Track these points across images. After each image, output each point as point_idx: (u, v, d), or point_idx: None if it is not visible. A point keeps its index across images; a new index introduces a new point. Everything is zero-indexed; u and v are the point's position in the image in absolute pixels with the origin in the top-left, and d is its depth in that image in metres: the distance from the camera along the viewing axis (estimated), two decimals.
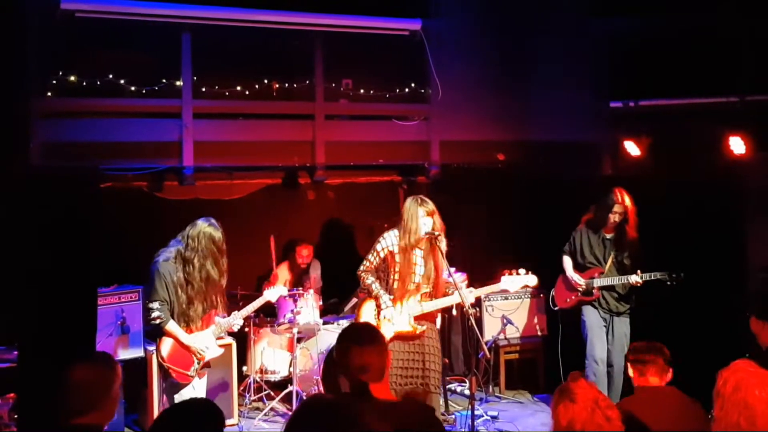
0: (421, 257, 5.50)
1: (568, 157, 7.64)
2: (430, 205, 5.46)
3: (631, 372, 4.24)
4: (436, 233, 5.39)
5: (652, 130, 7.33)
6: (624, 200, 6.50)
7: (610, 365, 6.63)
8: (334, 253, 8.23)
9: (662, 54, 7.26)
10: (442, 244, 5.42)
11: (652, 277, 6.34)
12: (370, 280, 5.56)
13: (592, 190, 6.83)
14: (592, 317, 6.70)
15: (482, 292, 5.81)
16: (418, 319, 5.50)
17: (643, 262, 6.47)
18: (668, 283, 6.32)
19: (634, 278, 6.39)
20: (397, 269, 5.50)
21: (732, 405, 3.14)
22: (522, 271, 5.65)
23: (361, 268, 5.63)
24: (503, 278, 5.64)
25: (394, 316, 5.47)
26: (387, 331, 5.35)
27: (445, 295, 5.55)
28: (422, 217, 5.41)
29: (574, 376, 3.04)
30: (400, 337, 5.48)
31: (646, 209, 6.56)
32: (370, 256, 5.60)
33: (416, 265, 5.48)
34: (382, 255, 5.54)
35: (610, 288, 6.63)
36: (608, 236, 6.68)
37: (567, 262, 6.90)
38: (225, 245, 5.45)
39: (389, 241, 5.51)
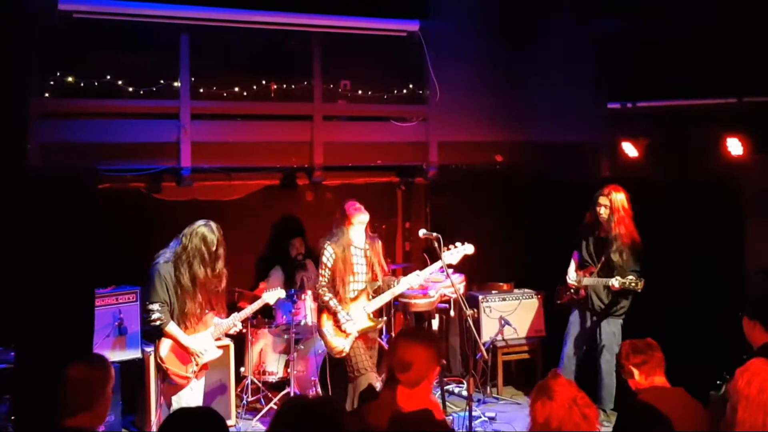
0: (361, 256, 5.98)
1: (566, 158, 7.63)
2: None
3: (637, 375, 4.09)
4: (434, 234, 5.82)
5: (650, 131, 7.33)
6: (610, 194, 6.50)
7: (598, 367, 6.63)
8: None
9: (661, 54, 7.24)
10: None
11: (628, 285, 6.26)
12: (328, 296, 5.92)
13: (589, 191, 6.82)
14: (575, 317, 6.84)
15: (426, 273, 6.05)
16: (374, 314, 6.01)
17: (633, 264, 6.42)
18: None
19: (612, 281, 6.36)
20: (340, 272, 5.90)
21: (757, 406, 3.17)
22: (458, 243, 5.99)
23: (320, 284, 5.96)
24: (444, 254, 5.89)
25: (355, 322, 5.87)
26: (352, 331, 5.85)
27: (389, 287, 5.99)
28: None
29: (553, 373, 3.01)
30: (362, 337, 5.91)
31: (643, 210, 6.55)
32: (323, 272, 5.95)
33: (357, 264, 5.95)
34: (331, 264, 5.90)
35: (596, 288, 6.64)
36: (603, 235, 6.66)
37: (574, 257, 6.95)
38: (222, 249, 5.44)
39: (330, 250, 5.91)
